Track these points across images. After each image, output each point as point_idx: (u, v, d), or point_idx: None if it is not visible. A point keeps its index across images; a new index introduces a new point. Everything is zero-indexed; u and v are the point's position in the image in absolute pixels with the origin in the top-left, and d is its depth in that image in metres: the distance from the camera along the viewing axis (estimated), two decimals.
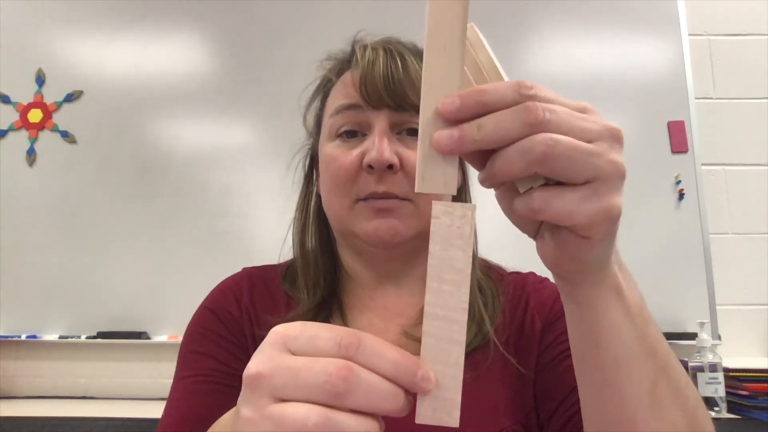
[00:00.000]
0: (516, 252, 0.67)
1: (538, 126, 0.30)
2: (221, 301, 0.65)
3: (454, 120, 0.31)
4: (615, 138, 0.33)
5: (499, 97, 0.31)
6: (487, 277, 0.67)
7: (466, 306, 0.31)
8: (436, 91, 0.31)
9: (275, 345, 0.31)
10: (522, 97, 0.31)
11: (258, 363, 0.30)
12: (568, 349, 0.44)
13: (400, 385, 0.30)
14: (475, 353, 0.60)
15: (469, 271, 0.31)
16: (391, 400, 0.29)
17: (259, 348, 0.32)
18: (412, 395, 0.31)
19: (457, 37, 0.31)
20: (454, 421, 0.31)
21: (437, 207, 0.31)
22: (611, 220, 0.33)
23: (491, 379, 0.59)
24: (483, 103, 0.31)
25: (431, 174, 0.31)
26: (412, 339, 0.60)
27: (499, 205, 0.36)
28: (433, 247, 0.31)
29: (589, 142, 0.32)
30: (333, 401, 0.29)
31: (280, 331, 0.31)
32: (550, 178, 0.32)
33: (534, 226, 0.37)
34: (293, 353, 0.30)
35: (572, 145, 0.31)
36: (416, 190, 0.32)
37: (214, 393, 0.58)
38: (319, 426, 0.28)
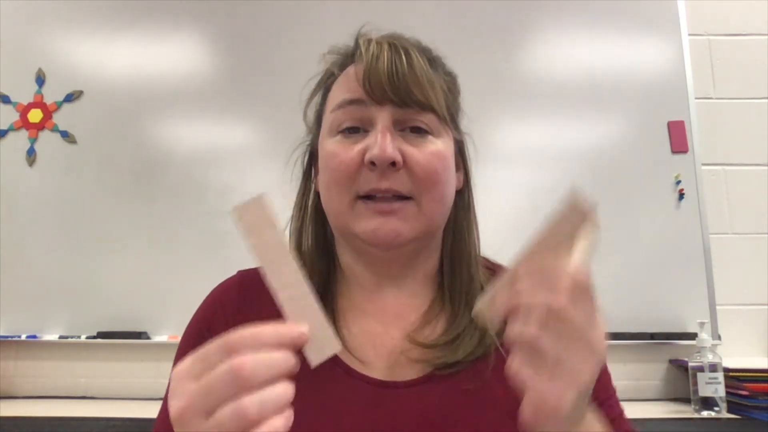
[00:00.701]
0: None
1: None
2: (209, 316, 0.64)
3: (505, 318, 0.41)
4: (595, 352, 0.40)
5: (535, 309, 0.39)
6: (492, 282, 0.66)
7: (297, 267, 0.37)
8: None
9: (179, 382, 0.36)
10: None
11: (175, 405, 0.35)
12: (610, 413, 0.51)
13: (287, 349, 0.36)
14: (478, 362, 0.58)
15: (282, 241, 0.37)
16: (285, 362, 0.35)
17: (170, 394, 0.36)
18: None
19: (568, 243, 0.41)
20: (336, 347, 0.39)
21: (235, 211, 0.37)
22: (555, 412, 0.39)
23: (496, 389, 0.58)
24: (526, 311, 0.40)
25: (490, 309, 0.41)
26: (416, 344, 0.59)
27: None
28: (251, 242, 0.37)
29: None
30: (244, 389, 0.34)
31: (176, 371, 0.36)
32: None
33: None
34: (197, 379, 0.35)
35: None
36: (475, 308, 0.42)
37: None
38: (253, 405, 0.33)
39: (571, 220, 0.40)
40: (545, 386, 0.38)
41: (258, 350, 0.35)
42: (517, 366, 0.40)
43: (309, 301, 0.37)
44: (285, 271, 0.37)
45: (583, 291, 0.39)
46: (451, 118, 0.63)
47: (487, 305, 0.41)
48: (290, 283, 0.37)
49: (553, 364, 0.38)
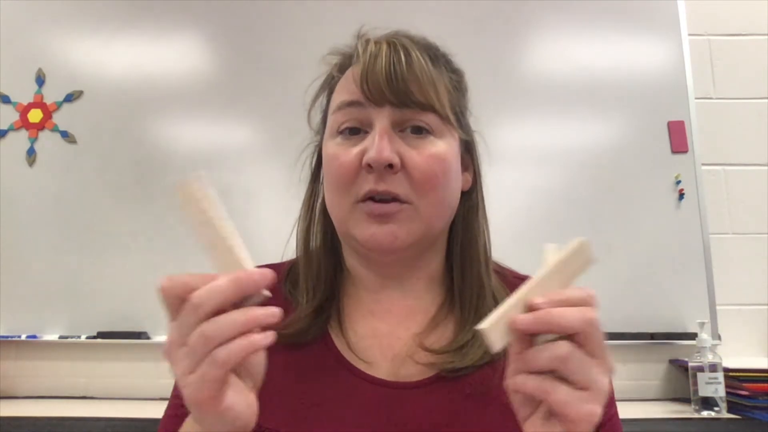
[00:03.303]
0: (524, 254, 0.66)
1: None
2: None
3: (522, 333, 0.40)
4: (612, 370, 0.42)
5: (563, 327, 0.40)
6: (503, 287, 0.64)
7: (223, 229, 0.41)
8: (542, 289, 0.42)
9: (169, 361, 0.41)
10: (586, 324, 0.40)
11: (165, 344, 0.42)
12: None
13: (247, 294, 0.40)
14: (486, 367, 0.58)
15: (206, 209, 0.42)
16: (226, 287, 0.39)
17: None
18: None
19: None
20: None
21: (178, 194, 0.42)
22: (590, 423, 0.40)
23: (502, 393, 0.57)
24: (551, 328, 0.40)
25: (497, 330, 0.41)
26: (424, 349, 0.59)
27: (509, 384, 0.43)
28: (188, 219, 0.42)
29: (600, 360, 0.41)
30: (208, 353, 0.38)
31: (165, 346, 0.41)
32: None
33: (529, 410, 0.43)
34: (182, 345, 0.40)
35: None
36: (481, 326, 0.41)
37: None
38: (209, 327, 0.38)
39: (576, 264, 0.42)
40: (577, 400, 0.40)
41: (219, 308, 0.39)
42: (537, 382, 0.41)
43: (230, 254, 0.41)
44: (209, 234, 0.42)
45: (594, 312, 0.41)
46: (456, 117, 0.62)
47: (494, 326, 0.41)
48: (214, 243, 0.42)
49: (583, 380, 0.40)
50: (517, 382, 0.41)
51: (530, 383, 0.41)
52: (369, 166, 0.56)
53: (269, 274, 0.40)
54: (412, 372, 0.59)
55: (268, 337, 0.40)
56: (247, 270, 0.40)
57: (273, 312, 0.40)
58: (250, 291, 0.40)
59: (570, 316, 0.40)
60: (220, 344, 0.38)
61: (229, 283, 0.39)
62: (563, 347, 0.40)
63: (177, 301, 0.40)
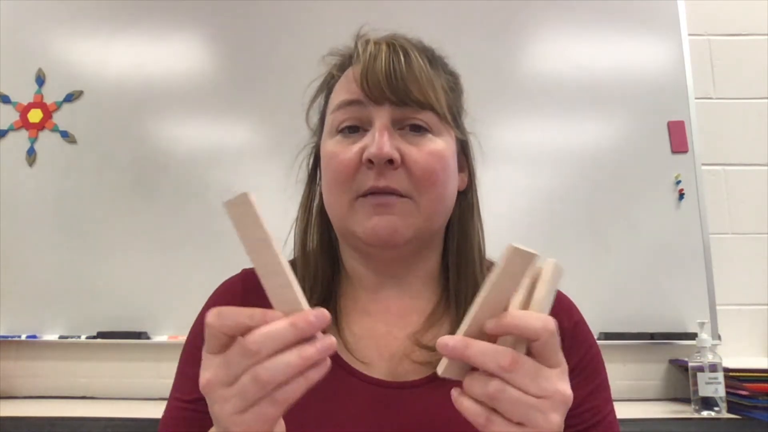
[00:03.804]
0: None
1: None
2: None
3: (449, 355, 0.40)
4: (563, 402, 0.40)
5: (484, 365, 0.39)
6: None
7: (279, 258, 0.39)
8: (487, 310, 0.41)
9: (206, 361, 0.40)
10: (501, 370, 0.39)
11: (203, 377, 0.40)
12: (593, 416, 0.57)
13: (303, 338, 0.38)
14: None
15: (266, 235, 0.39)
16: (285, 331, 0.37)
17: (201, 371, 0.40)
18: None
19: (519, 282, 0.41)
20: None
21: (225, 206, 0.39)
22: None
23: None
24: (471, 361, 0.40)
25: (453, 369, 0.41)
26: (420, 347, 0.59)
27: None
28: (238, 234, 0.39)
29: (540, 397, 0.39)
30: (266, 395, 0.37)
31: (204, 382, 0.39)
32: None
33: None
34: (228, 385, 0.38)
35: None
36: (438, 371, 0.41)
37: (193, 421, 0.58)
38: (266, 371, 0.37)
39: (515, 269, 0.40)
40: None
41: (275, 351, 0.37)
42: (475, 409, 0.40)
43: (289, 290, 0.39)
44: (267, 261, 0.39)
45: (549, 340, 0.40)
46: (452, 117, 0.63)
47: (449, 366, 0.41)
48: (272, 273, 0.39)
49: (517, 418, 0.39)
50: (458, 401, 0.41)
51: (470, 409, 0.40)
52: (370, 161, 0.56)
53: (326, 316, 0.39)
54: (409, 371, 0.59)
55: (323, 369, 0.39)
56: (304, 312, 0.39)
57: (327, 347, 0.39)
58: (307, 335, 0.38)
59: (485, 356, 0.39)
60: (277, 387, 0.37)
61: (288, 328, 0.38)
62: (493, 385, 0.39)
63: (225, 338, 0.39)
